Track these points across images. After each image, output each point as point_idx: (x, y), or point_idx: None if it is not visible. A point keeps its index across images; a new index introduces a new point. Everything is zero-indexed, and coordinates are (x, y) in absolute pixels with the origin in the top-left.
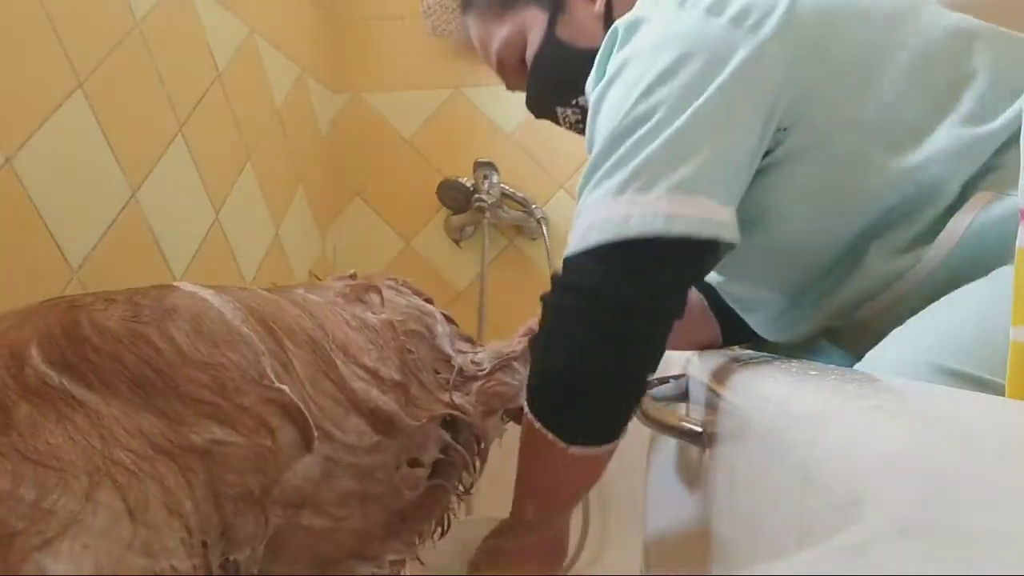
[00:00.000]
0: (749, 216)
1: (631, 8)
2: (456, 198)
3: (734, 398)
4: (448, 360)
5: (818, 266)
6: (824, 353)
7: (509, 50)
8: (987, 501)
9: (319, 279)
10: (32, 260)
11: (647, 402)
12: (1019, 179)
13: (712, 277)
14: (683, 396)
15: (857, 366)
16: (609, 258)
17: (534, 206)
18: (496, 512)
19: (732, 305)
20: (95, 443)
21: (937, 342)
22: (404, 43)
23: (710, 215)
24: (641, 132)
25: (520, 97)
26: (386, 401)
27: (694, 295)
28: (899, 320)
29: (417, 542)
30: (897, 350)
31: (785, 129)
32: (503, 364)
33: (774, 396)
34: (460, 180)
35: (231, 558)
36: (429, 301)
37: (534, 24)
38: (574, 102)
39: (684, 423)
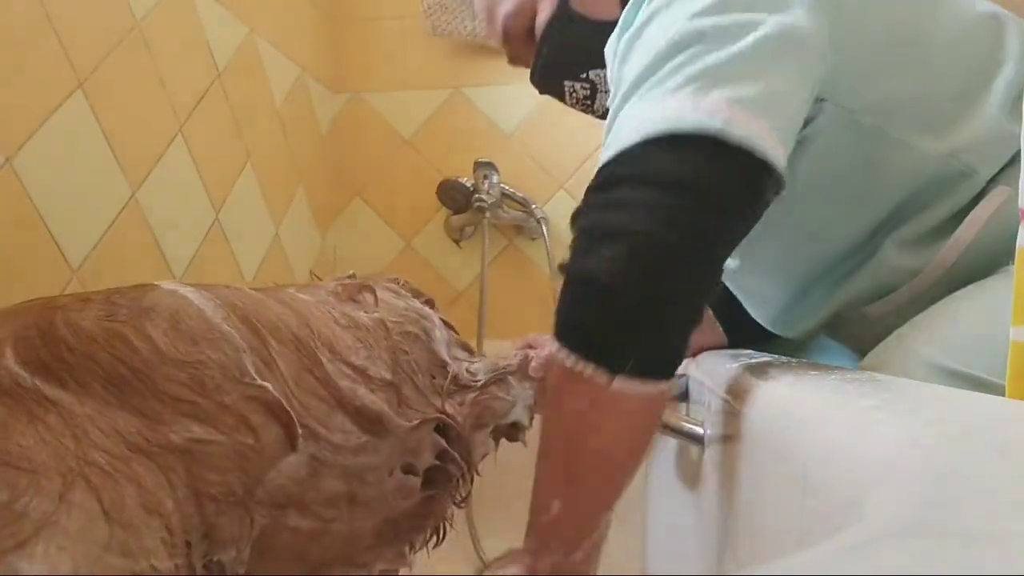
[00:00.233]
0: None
1: None
2: (456, 198)
3: (734, 398)
4: (444, 366)
5: (833, 254)
6: (825, 351)
7: (517, 20)
8: (987, 501)
9: (320, 279)
10: (32, 260)
11: None
12: (1019, 179)
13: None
14: (683, 396)
15: (858, 365)
16: (670, 147)
17: (534, 206)
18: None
19: (740, 297)
20: (68, 443)
21: (938, 342)
22: (404, 43)
23: (768, 138)
24: (698, 48)
25: (520, 97)
26: (374, 400)
27: None
28: (906, 320)
29: (409, 553)
30: (898, 350)
31: (822, 100)
32: (498, 378)
33: (774, 396)
34: (460, 180)
35: (215, 559)
36: (431, 302)
37: None
38: (584, 75)
39: (684, 423)
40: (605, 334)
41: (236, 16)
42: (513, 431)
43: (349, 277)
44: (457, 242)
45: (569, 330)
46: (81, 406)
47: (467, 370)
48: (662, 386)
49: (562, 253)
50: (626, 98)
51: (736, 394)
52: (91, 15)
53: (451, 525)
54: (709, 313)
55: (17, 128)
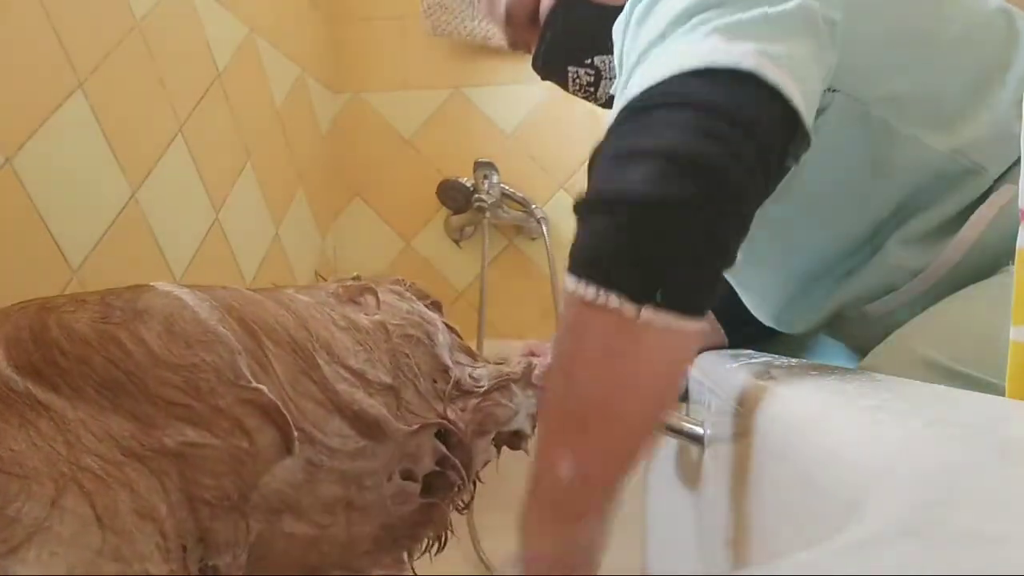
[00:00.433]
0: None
1: None
2: (456, 198)
3: (734, 398)
4: (446, 370)
5: (836, 251)
6: (825, 351)
7: (521, 3)
8: (987, 501)
9: (324, 280)
10: (32, 260)
11: None
12: (1019, 180)
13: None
14: (683, 396)
15: (858, 365)
16: (707, 79)
17: (534, 206)
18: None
19: (741, 293)
20: (60, 448)
21: (938, 342)
22: (404, 43)
23: (796, 94)
24: (722, 8)
25: (520, 97)
26: (372, 404)
27: None
28: (906, 320)
29: (407, 560)
30: (898, 350)
31: (834, 91)
32: (501, 384)
33: (774, 396)
34: (460, 180)
35: (211, 563)
36: (436, 304)
37: None
38: (588, 61)
39: (684, 423)
40: (632, 258)
41: (236, 16)
42: (515, 439)
43: (353, 279)
44: (457, 242)
45: (589, 261)
46: (74, 410)
47: (470, 375)
48: (693, 325)
49: (562, 253)
50: (647, 51)
51: (736, 395)
52: (91, 15)
53: (452, 532)
54: (709, 313)
55: (17, 128)
